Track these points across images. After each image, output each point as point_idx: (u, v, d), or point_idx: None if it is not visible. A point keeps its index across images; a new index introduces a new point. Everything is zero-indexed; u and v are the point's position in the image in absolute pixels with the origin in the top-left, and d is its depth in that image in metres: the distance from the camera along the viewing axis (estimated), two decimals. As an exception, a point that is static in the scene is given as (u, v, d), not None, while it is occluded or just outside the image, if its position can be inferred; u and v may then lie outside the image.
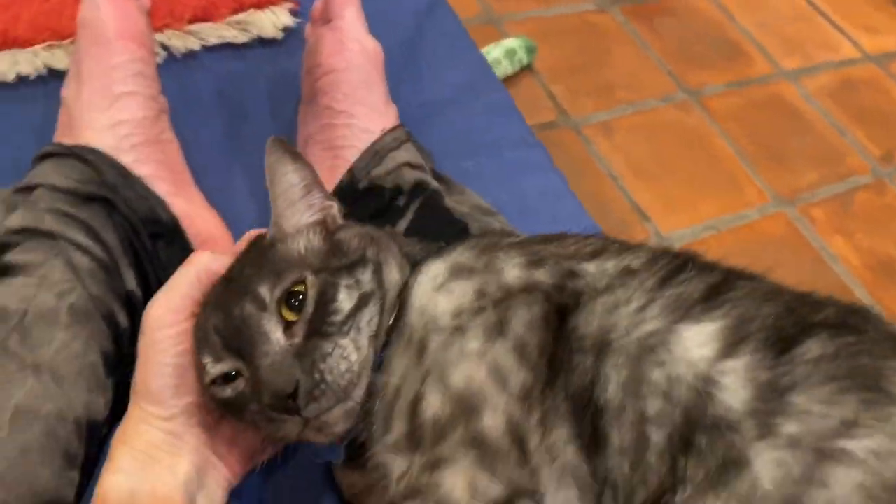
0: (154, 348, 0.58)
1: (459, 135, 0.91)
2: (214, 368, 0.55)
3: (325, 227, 0.60)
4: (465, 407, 0.50)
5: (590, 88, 1.67)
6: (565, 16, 1.78)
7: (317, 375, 0.51)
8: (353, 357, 0.53)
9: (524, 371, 0.51)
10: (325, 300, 0.53)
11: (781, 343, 0.47)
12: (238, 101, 0.92)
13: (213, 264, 0.60)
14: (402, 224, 0.76)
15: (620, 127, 1.62)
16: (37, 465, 0.57)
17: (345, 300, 0.54)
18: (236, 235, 0.77)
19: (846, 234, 1.52)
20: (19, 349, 0.60)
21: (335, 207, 0.62)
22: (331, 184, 0.78)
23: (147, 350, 0.59)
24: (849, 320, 0.50)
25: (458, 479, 0.47)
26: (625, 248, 0.58)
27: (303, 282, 0.53)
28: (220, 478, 0.61)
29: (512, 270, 0.56)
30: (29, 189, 0.71)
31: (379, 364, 0.55)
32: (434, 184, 0.80)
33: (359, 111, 0.80)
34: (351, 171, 0.78)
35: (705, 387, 0.47)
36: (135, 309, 0.68)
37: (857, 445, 0.43)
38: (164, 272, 0.66)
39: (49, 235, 0.67)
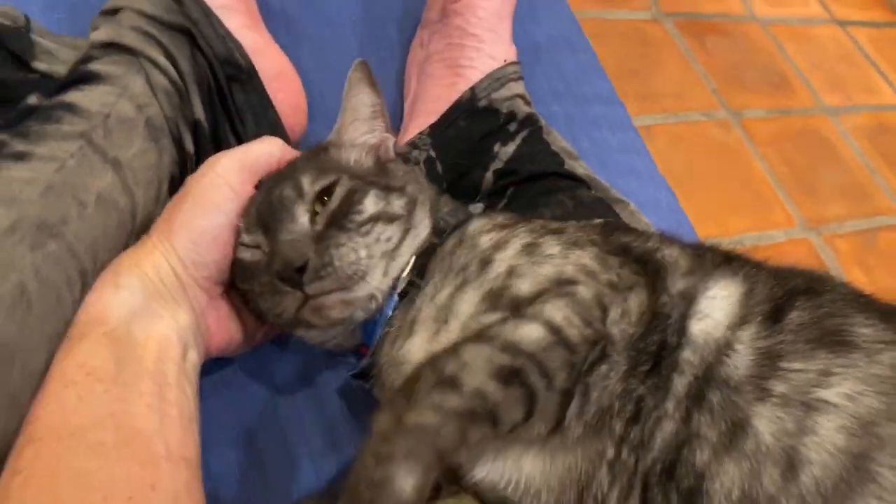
0: (214, 190, 0.60)
1: (551, 82, 0.94)
2: (246, 236, 0.60)
3: (377, 153, 0.65)
4: (559, 283, 0.55)
5: (636, 92, 1.69)
6: (622, 21, 1.81)
7: (326, 258, 0.56)
8: (363, 254, 0.58)
9: (610, 272, 0.56)
10: (351, 200, 0.58)
11: (776, 313, 0.53)
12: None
13: (287, 153, 0.65)
14: (511, 147, 0.80)
15: (661, 133, 1.65)
16: (112, 251, 0.59)
17: (370, 205, 0.59)
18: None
19: (866, 268, 1.55)
20: (102, 143, 0.62)
21: (392, 140, 0.67)
22: (448, 99, 0.83)
23: (206, 190, 0.61)
24: (814, 286, 0.56)
25: (557, 311, 0.52)
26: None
27: (338, 182, 0.59)
28: (202, 352, 0.62)
29: (553, 223, 0.62)
30: (114, 11, 0.72)
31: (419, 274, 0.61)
32: (542, 121, 0.83)
33: (488, 38, 0.84)
34: (472, 89, 0.83)
35: (725, 349, 0.52)
36: (199, 139, 0.70)
37: (833, 393, 0.48)
38: (240, 115, 0.68)
39: (131, 51, 0.68)
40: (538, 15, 0.99)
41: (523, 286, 0.55)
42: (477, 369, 0.48)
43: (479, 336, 0.51)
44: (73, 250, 0.56)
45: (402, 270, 0.61)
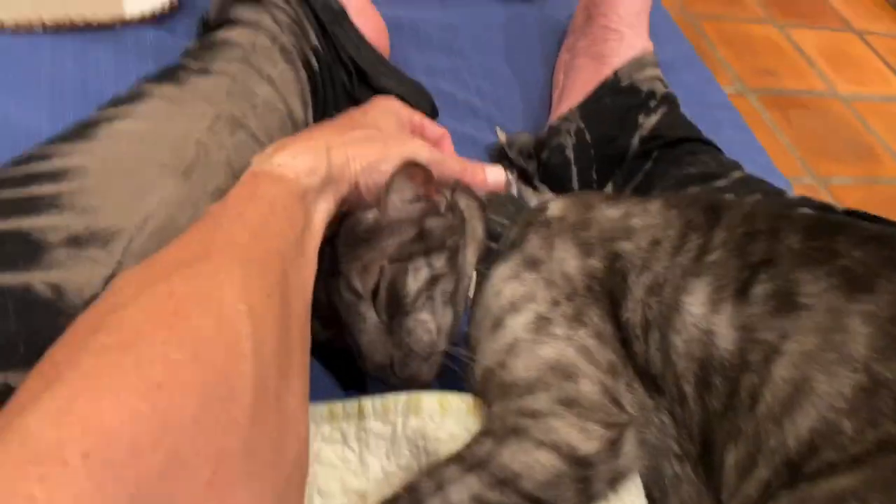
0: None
1: (675, 90, 1.03)
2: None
3: (421, 220, 0.65)
4: (559, 373, 0.57)
5: (724, 157, 1.77)
6: (707, 94, 1.92)
7: (405, 349, 0.60)
8: (432, 326, 0.61)
9: (608, 351, 0.59)
10: (395, 287, 0.61)
11: (742, 290, 0.58)
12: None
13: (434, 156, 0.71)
14: (653, 118, 0.92)
15: (750, 195, 1.71)
16: None
17: (412, 284, 0.61)
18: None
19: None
20: (256, 64, 0.75)
21: (439, 204, 0.67)
22: (594, 82, 0.95)
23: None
24: (771, 253, 0.59)
25: (570, 429, 0.53)
26: (652, 216, 0.66)
27: (381, 275, 0.61)
28: None
29: (571, 261, 0.64)
30: None
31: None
32: (677, 101, 0.92)
33: (628, 32, 0.96)
34: (616, 72, 0.95)
35: (708, 337, 0.57)
36: (320, 60, 0.84)
37: (785, 347, 0.54)
38: (344, 47, 0.85)
39: (257, 1, 0.83)
40: (659, 39, 1.10)
41: (517, 367, 0.58)
42: None
43: (469, 460, 0.51)
44: (256, 137, 0.69)
45: (467, 294, 0.66)
